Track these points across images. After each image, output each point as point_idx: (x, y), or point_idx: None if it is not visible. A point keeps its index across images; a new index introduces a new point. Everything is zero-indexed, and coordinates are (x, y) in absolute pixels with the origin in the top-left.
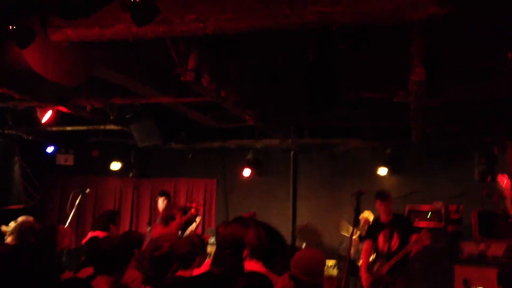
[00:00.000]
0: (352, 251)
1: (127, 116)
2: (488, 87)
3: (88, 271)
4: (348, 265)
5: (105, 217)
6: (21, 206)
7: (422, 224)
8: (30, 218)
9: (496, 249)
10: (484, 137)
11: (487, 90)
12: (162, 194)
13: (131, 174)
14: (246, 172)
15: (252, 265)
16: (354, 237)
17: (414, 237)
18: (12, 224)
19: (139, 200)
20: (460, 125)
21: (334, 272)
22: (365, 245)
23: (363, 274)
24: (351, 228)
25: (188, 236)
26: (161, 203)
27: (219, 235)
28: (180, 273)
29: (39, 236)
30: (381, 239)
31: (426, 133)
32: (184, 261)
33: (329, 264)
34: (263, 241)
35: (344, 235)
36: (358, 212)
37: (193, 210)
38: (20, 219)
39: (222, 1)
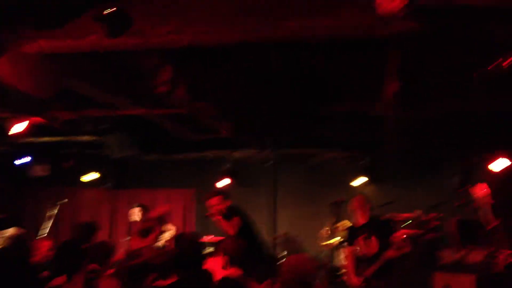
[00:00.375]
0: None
1: (101, 127)
2: (461, 101)
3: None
4: (328, 273)
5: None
6: None
7: (401, 231)
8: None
9: (476, 256)
10: (462, 148)
11: (460, 105)
12: (138, 205)
13: (107, 185)
14: (224, 182)
15: (232, 273)
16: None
17: (394, 237)
18: None
19: (117, 210)
20: (436, 137)
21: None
22: (347, 251)
23: (353, 279)
24: (328, 239)
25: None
26: (137, 214)
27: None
28: (158, 283)
29: (10, 247)
30: (361, 243)
31: (401, 145)
32: (163, 271)
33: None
34: (242, 250)
35: (324, 245)
36: (337, 220)
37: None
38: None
39: (197, 14)
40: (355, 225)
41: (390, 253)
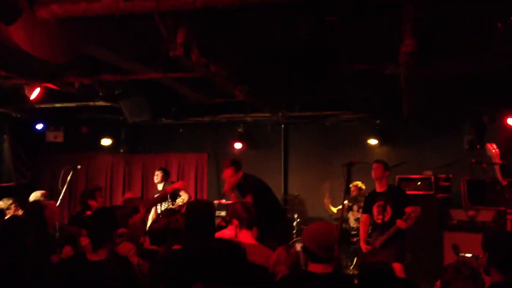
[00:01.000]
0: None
1: (116, 92)
2: (479, 59)
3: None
4: (340, 235)
5: (84, 196)
6: (12, 184)
7: (412, 192)
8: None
9: (485, 216)
10: (474, 107)
11: (477, 63)
12: (160, 169)
13: (122, 150)
14: (237, 146)
15: (243, 236)
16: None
17: (408, 209)
18: (3, 203)
19: (131, 175)
20: (450, 96)
21: None
22: (362, 218)
23: (363, 246)
24: (332, 207)
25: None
26: (159, 177)
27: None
28: (176, 246)
29: (27, 213)
30: (375, 211)
31: (416, 105)
32: (177, 236)
33: None
34: (251, 213)
35: (331, 211)
36: (349, 182)
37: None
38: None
39: None
40: (373, 192)
41: (400, 224)
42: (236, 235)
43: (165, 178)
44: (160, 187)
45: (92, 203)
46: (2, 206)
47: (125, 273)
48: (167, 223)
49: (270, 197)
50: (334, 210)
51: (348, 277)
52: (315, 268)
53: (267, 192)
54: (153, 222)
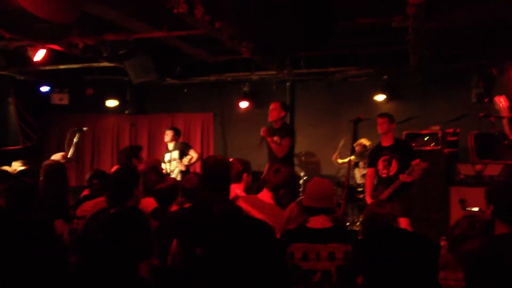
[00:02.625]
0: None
1: (120, 53)
2: (487, 9)
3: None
4: (346, 191)
5: (127, 152)
6: (19, 146)
7: (419, 147)
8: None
9: (492, 170)
10: (482, 59)
11: (486, 12)
12: (171, 128)
13: (127, 111)
14: (243, 105)
15: (263, 194)
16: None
17: (414, 162)
18: (15, 165)
19: (137, 136)
20: (457, 49)
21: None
22: (368, 172)
23: (368, 199)
24: (339, 159)
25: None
26: (168, 136)
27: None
28: (188, 205)
29: (48, 174)
30: (380, 165)
31: (423, 58)
32: (192, 195)
33: None
34: (276, 176)
35: (337, 163)
36: (355, 138)
37: None
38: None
39: None
40: (378, 146)
41: (403, 178)
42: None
43: (176, 138)
44: (170, 146)
45: (136, 162)
46: (15, 168)
47: (136, 224)
48: (175, 182)
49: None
50: (340, 161)
51: (347, 231)
52: (314, 223)
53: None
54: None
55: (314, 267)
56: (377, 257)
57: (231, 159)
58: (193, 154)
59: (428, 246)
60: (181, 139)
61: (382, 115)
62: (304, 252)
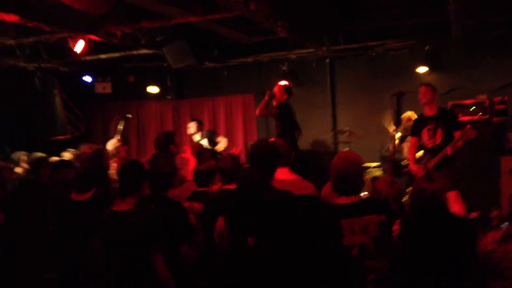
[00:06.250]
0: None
1: (158, 39)
2: None
3: None
4: (392, 165)
5: (163, 140)
6: (68, 136)
7: (466, 118)
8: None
9: None
10: None
11: None
12: (194, 120)
13: (169, 97)
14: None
15: (279, 173)
16: (396, 136)
17: (458, 133)
18: (65, 155)
19: (180, 121)
20: (501, 14)
21: (378, 173)
22: (411, 141)
23: (413, 167)
24: (392, 125)
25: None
26: (192, 127)
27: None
28: (225, 186)
29: (90, 162)
30: (425, 134)
31: (466, 26)
32: (228, 175)
33: (373, 166)
34: (284, 151)
35: (388, 131)
36: (399, 112)
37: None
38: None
39: None
40: (422, 116)
41: (449, 150)
42: None
43: (200, 128)
44: (197, 137)
45: (173, 148)
46: (69, 157)
47: (151, 220)
48: (213, 165)
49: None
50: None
51: (377, 202)
52: (343, 199)
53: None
54: (197, 164)
55: (350, 241)
56: (415, 236)
57: (272, 140)
58: (221, 140)
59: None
60: (205, 128)
61: (425, 84)
62: None
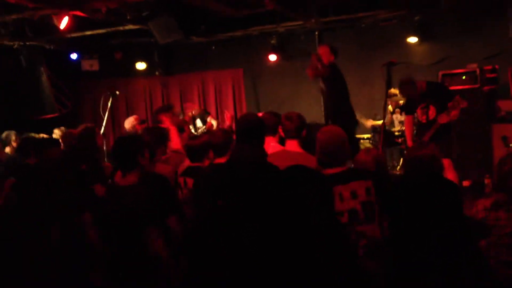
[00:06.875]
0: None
1: (144, 14)
2: None
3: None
4: (383, 136)
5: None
6: (56, 114)
7: (457, 87)
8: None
9: None
10: None
11: None
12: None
13: (157, 73)
14: (272, 58)
15: (289, 145)
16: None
17: (450, 104)
18: (57, 132)
19: (169, 97)
20: None
21: (369, 145)
22: (406, 119)
23: (410, 143)
24: (368, 120)
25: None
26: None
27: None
28: (217, 160)
29: (80, 139)
30: (419, 111)
31: None
32: (220, 150)
33: (365, 137)
34: (294, 122)
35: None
36: (389, 83)
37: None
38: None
39: None
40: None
41: (443, 119)
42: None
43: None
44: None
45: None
46: (59, 135)
47: (153, 195)
48: (206, 139)
49: None
50: (369, 123)
51: (364, 169)
52: (330, 170)
53: None
54: (191, 139)
55: (339, 208)
56: (408, 200)
57: (261, 113)
58: (213, 122)
59: (453, 189)
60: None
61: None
62: None
